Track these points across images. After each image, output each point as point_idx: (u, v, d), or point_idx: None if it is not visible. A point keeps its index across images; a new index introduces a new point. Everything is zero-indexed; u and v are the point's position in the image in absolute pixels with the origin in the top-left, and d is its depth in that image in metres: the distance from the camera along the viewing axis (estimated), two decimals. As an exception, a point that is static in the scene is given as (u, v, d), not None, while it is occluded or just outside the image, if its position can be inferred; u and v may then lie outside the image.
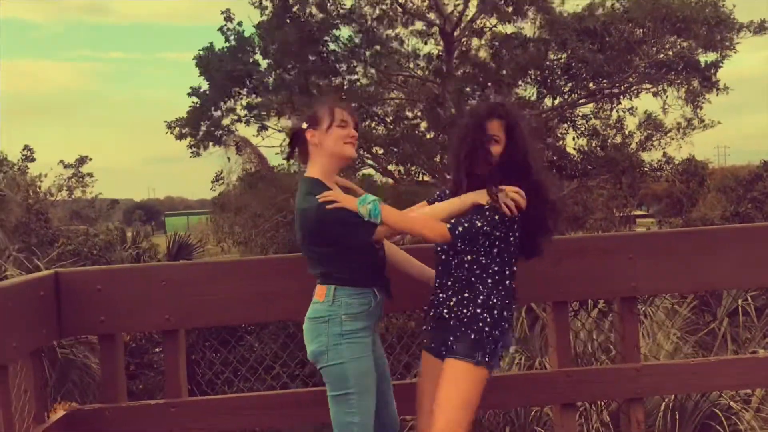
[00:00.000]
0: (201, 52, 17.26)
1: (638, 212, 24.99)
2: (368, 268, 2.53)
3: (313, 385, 2.63)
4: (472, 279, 2.52)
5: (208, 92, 17.43)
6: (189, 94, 17.60)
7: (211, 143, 17.81)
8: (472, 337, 2.47)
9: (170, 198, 68.25)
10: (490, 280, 2.52)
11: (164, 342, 3.01)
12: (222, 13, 17.14)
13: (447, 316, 2.53)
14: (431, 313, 2.60)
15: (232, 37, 17.20)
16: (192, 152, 17.90)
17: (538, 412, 4.75)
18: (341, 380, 2.45)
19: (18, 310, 2.53)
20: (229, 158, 17.92)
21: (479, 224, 2.44)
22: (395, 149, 16.55)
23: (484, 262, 2.52)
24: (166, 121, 17.79)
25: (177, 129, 17.69)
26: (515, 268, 2.57)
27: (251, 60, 17.01)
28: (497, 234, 2.49)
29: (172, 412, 2.88)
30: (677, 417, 4.36)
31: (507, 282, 2.55)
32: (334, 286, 2.48)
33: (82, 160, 21.60)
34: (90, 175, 21.81)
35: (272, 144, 18.40)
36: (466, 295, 2.51)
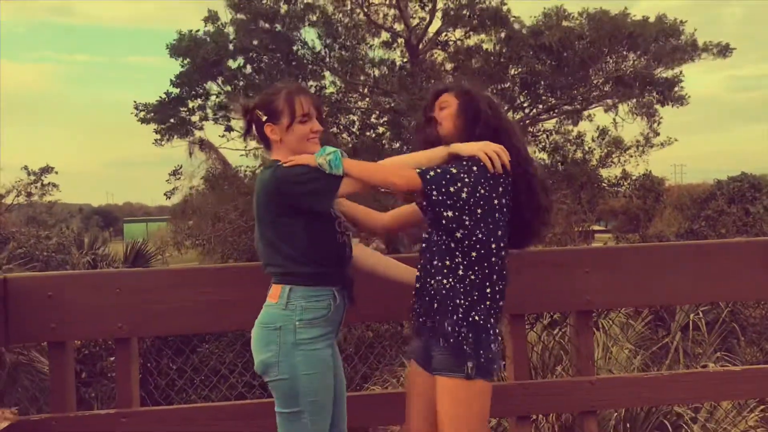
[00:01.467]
0: (178, 36, 17.04)
1: (597, 227, 25.41)
2: (329, 260, 2.25)
3: (269, 396, 2.58)
4: (450, 281, 2.23)
5: (182, 78, 17.16)
6: (172, 84, 17.30)
7: (176, 136, 17.57)
8: (456, 348, 2.21)
9: (129, 204, 67.08)
10: (468, 279, 2.23)
11: (116, 350, 2.94)
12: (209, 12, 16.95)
13: (428, 325, 2.30)
14: (413, 322, 2.39)
15: (208, 29, 17.07)
16: (155, 141, 17.64)
17: (494, 424, 4.77)
18: (292, 397, 2.18)
19: (-38, 316, 2.45)
20: (191, 153, 17.70)
21: (454, 170, 2.18)
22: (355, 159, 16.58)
23: (463, 247, 2.22)
24: (135, 101, 17.49)
25: (143, 113, 17.39)
26: (503, 246, 2.28)
27: (227, 49, 16.81)
28: (480, 192, 2.20)
29: (122, 422, 2.82)
30: (628, 427, 4.42)
31: (493, 267, 2.26)
32: (290, 287, 2.21)
33: (46, 170, 21.12)
34: (53, 184, 21.33)
35: (236, 147, 18.24)
36: (449, 303, 2.23)
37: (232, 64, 17.04)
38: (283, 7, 16.47)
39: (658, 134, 17.50)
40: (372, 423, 3.11)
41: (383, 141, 17.28)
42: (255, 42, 16.38)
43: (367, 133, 17.38)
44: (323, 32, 16.91)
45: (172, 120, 17.41)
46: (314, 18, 16.69)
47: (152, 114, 17.38)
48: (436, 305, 2.27)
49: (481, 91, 2.49)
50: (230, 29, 16.80)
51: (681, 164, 39.49)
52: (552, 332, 5.32)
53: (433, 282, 2.28)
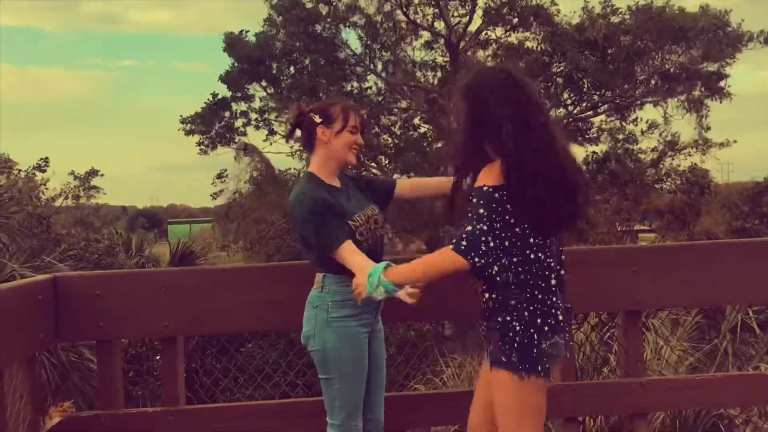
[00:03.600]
0: (226, 37, 17.32)
1: (641, 227, 24.90)
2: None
3: (313, 395, 2.58)
4: (497, 282, 2.22)
5: (229, 77, 17.41)
6: (220, 80, 17.59)
7: (219, 144, 17.87)
8: (508, 343, 2.22)
9: (173, 206, 68.19)
10: (513, 279, 2.21)
11: (162, 349, 2.98)
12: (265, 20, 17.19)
13: (486, 322, 2.32)
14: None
15: (252, 34, 17.33)
16: (201, 150, 17.94)
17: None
18: (324, 365, 2.51)
19: (15, 314, 2.50)
20: (236, 158, 17.97)
21: (470, 228, 2.13)
22: (400, 159, 16.58)
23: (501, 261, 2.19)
24: (181, 116, 17.81)
25: (189, 125, 17.72)
26: (540, 242, 2.22)
27: (271, 50, 17.01)
28: (497, 227, 2.15)
29: (169, 420, 2.85)
30: (677, 427, 4.31)
31: (534, 271, 2.22)
32: (324, 274, 2.52)
33: (92, 173, 21.60)
34: (97, 188, 21.79)
35: (279, 150, 18.43)
36: (500, 299, 2.23)
37: (276, 66, 17.21)
38: (324, 9, 16.59)
39: (709, 128, 17.02)
40: (414, 423, 3.08)
41: (426, 140, 17.25)
42: (298, 44, 16.52)
43: (410, 133, 17.36)
44: (364, 33, 16.96)
45: (216, 128, 17.69)
46: (355, 19, 16.75)
47: (197, 123, 17.67)
48: (492, 304, 2.28)
49: (474, 78, 2.32)
50: (274, 31, 16.99)
51: (728, 162, 38.34)
52: (600, 332, 5.22)
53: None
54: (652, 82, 16.49)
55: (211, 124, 17.74)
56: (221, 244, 19.24)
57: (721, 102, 16.76)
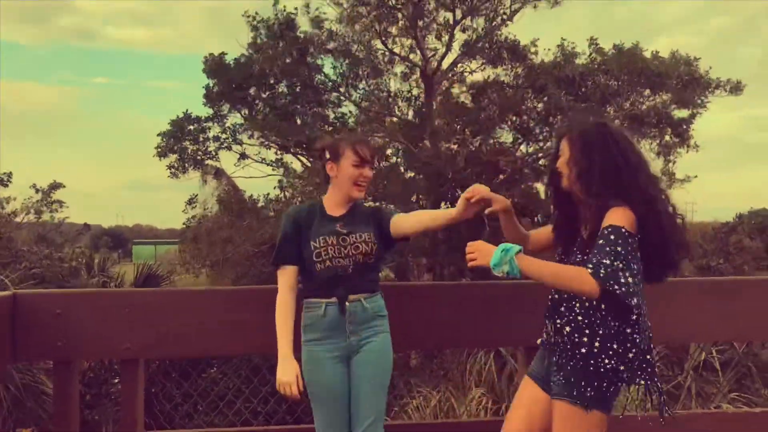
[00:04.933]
0: (205, 59, 17.29)
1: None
2: (317, 281, 2.62)
3: (275, 423, 2.52)
4: (590, 312, 2.29)
5: (208, 98, 17.33)
6: (204, 98, 17.51)
7: (190, 167, 17.69)
8: (580, 375, 2.28)
9: (139, 225, 67.29)
10: (610, 314, 2.27)
11: (122, 372, 2.90)
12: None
13: (564, 350, 2.34)
14: (546, 342, 2.46)
15: (230, 58, 17.28)
16: (171, 173, 17.74)
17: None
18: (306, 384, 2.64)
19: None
20: (205, 181, 17.79)
21: (613, 263, 2.15)
22: (373, 187, 16.60)
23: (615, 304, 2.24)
24: (157, 142, 17.61)
25: (161, 146, 17.51)
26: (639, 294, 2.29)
27: (249, 74, 16.97)
28: (635, 268, 2.20)
29: (126, 445, 2.76)
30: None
31: (632, 315, 2.28)
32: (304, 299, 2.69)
33: (54, 186, 21.18)
34: (60, 202, 21.34)
35: (250, 175, 18.33)
36: (586, 331, 2.29)
37: (254, 90, 17.20)
38: (307, 34, 16.68)
39: (674, 174, 17.36)
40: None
41: (399, 170, 17.32)
42: (275, 69, 16.56)
43: (382, 163, 17.44)
44: (342, 62, 17.07)
45: (188, 151, 17.53)
46: (332, 46, 16.87)
47: (168, 142, 17.49)
48: (575, 333, 2.32)
49: (599, 127, 2.40)
50: (253, 54, 17.01)
51: (692, 202, 39.23)
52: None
53: (576, 310, 2.34)
54: (624, 123, 16.82)
55: (183, 144, 17.59)
56: (187, 267, 18.94)
57: (687, 151, 17.13)
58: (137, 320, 2.82)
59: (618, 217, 2.23)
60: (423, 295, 3.08)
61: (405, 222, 2.72)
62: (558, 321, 2.39)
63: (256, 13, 16.79)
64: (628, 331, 2.29)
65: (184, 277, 18.55)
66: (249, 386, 6.07)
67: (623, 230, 2.19)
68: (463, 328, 3.00)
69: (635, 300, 2.19)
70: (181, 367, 6.85)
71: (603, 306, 2.28)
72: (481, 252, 2.25)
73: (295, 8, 16.73)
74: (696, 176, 17.63)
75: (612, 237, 2.18)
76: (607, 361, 2.26)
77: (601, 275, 2.13)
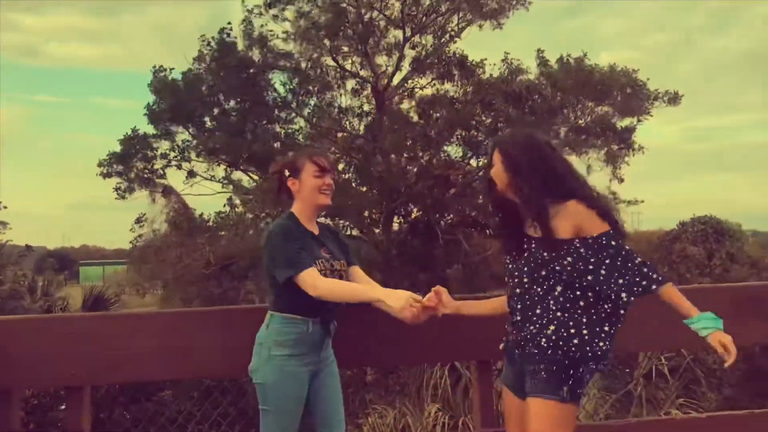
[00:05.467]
0: (153, 76, 17.00)
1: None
2: (304, 299, 2.60)
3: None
4: (557, 309, 2.43)
5: (154, 117, 17.04)
6: (146, 117, 17.16)
7: (137, 186, 17.31)
8: (553, 371, 2.39)
9: (86, 246, 65.58)
10: (577, 309, 2.43)
11: (67, 399, 2.80)
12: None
13: (534, 350, 2.44)
14: (512, 346, 2.56)
15: (178, 75, 17.03)
16: (118, 195, 17.33)
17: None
18: (262, 397, 2.64)
19: None
20: (154, 200, 17.44)
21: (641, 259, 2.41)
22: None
23: (574, 292, 2.43)
24: (99, 160, 17.18)
25: (105, 167, 17.10)
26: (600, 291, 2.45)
27: (198, 91, 16.74)
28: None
29: (71, 476, 2.67)
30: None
31: (597, 307, 2.44)
32: (271, 313, 2.68)
33: None
34: (3, 223, 20.57)
35: (199, 192, 18.04)
36: (570, 323, 2.42)
37: (202, 106, 16.98)
38: (255, 53, 16.59)
39: (622, 180, 17.79)
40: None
41: (351, 185, 17.33)
42: (224, 85, 16.41)
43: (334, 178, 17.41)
44: (292, 78, 17.03)
45: (134, 170, 17.17)
46: (283, 64, 16.82)
47: (113, 164, 17.13)
48: (560, 330, 2.43)
49: (526, 138, 2.57)
50: (201, 70, 16.83)
51: (637, 212, 40.35)
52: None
53: (552, 308, 2.46)
54: (570, 134, 17.20)
55: (129, 164, 17.23)
56: (136, 288, 18.52)
57: (633, 155, 17.61)
58: (83, 346, 2.74)
59: (595, 220, 2.42)
60: (375, 310, 3.07)
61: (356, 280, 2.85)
62: (536, 323, 2.46)
63: (204, 36, 16.67)
64: (606, 323, 2.44)
65: (133, 299, 18.14)
66: (200, 409, 5.94)
67: (611, 232, 2.43)
68: (415, 345, 3.00)
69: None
70: (129, 393, 6.67)
71: (581, 302, 2.42)
72: (727, 346, 2.40)
73: (242, 25, 16.62)
74: (643, 201, 18.04)
75: (614, 243, 2.41)
76: (588, 350, 2.40)
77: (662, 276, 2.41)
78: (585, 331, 2.41)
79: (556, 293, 2.44)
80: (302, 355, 2.65)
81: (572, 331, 2.41)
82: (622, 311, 2.46)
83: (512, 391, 2.59)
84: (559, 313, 2.42)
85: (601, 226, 2.42)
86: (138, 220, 17.71)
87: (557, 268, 2.41)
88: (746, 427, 3.31)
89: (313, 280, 2.57)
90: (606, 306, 2.43)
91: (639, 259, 2.41)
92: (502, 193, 2.55)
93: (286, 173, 2.80)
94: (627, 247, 2.42)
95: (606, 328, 2.43)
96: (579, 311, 2.42)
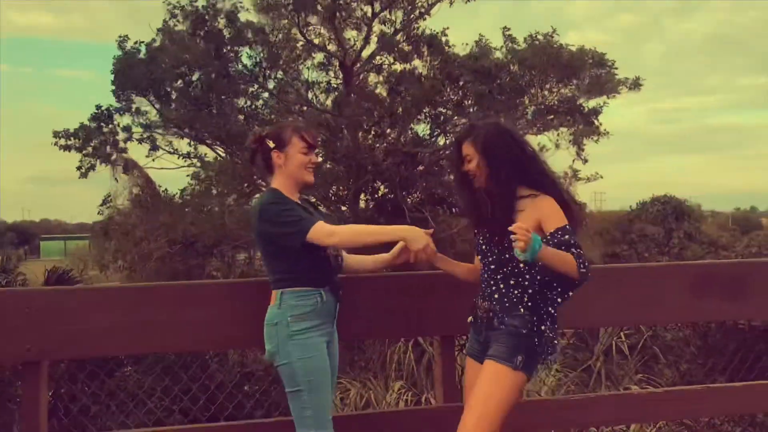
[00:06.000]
0: (118, 47, 16.62)
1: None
2: (313, 269, 2.62)
3: (189, 422, 2.46)
4: (516, 284, 2.57)
5: (117, 90, 16.67)
6: (112, 91, 16.76)
7: (98, 162, 16.94)
8: (513, 341, 2.52)
9: (47, 221, 64.20)
10: (534, 286, 2.57)
11: (23, 375, 2.76)
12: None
13: (494, 320, 2.58)
14: (481, 318, 2.65)
15: (142, 48, 16.61)
16: (81, 173, 16.93)
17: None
18: (291, 378, 2.58)
19: None
20: (117, 179, 17.10)
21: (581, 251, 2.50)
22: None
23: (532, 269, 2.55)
24: (54, 131, 16.76)
25: (63, 139, 16.69)
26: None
27: (161, 63, 16.36)
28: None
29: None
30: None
31: (552, 288, 2.57)
32: (281, 291, 2.61)
33: None
34: None
35: (162, 166, 17.73)
36: (514, 300, 2.56)
37: (166, 79, 16.63)
38: (221, 22, 16.28)
39: (587, 161, 17.95)
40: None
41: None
42: (188, 56, 16.08)
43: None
44: (259, 51, 16.77)
45: (93, 142, 16.75)
46: (250, 36, 16.55)
47: (75, 139, 16.72)
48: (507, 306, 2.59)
49: (497, 128, 2.66)
50: (165, 41, 16.46)
51: (601, 192, 41.15)
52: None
53: (509, 291, 2.60)
54: (537, 114, 17.27)
55: (90, 140, 16.82)
56: (99, 264, 18.22)
57: (598, 140, 17.76)
58: (40, 320, 2.68)
59: (555, 216, 2.54)
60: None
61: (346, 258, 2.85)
62: (503, 297, 2.59)
63: (177, 1, 16.28)
64: (558, 307, 2.60)
65: (95, 275, 17.87)
66: (162, 385, 5.90)
67: (567, 227, 2.53)
68: (378, 319, 3.01)
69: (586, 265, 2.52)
70: (89, 368, 6.59)
71: (555, 283, 2.56)
72: (526, 241, 2.33)
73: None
74: (602, 176, 18.20)
75: (567, 236, 2.51)
76: (548, 331, 2.55)
77: (581, 259, 2.48)
78: (550, 309, 2.58)
79: (524, 270, 2.57)
80: (321, 325, 2.63)
81: (531, 304, 2.56)
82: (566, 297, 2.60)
83: (477, 361, 2.66)
84: (524, 290, 2.57)
85: (560, 222, 2.53)
86: (104, 202, 17.33)
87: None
88: (701, 400, 3.40)
89: (329, 228, 2.54)
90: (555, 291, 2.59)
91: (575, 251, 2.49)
92: (480, 186, 2.63)
93: (270, 144, 2.71)
94: (573, 241, 2.50)
95: (551, 311, 2.59)
96: (543, 290, 2.57)
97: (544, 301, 2.57)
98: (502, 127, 2.69)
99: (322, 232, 2.52)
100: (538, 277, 2.57)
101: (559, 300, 2.58)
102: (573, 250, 2.47)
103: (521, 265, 2.56)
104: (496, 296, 2.61)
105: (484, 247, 2.68)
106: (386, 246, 2.78)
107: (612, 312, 3.29)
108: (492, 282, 2.63)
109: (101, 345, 2.84)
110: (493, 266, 2.64)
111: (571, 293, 2.59)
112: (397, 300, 3.01)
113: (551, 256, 2.42)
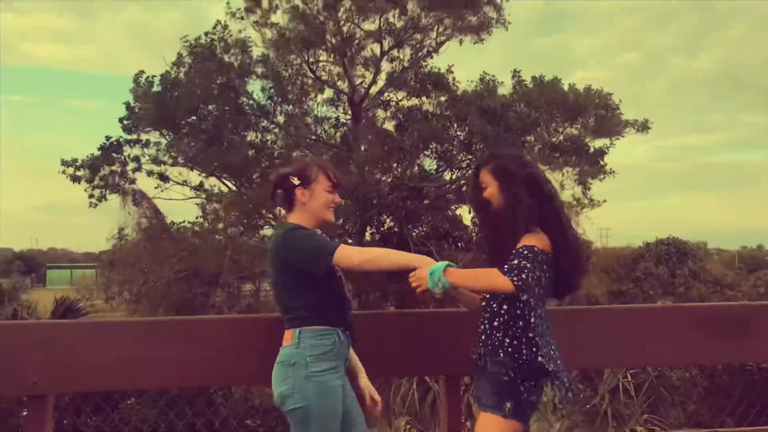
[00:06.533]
0: (134, 80, 16.86)
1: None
2: (332, 307, 2.57)
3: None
4: (498, 325, 2.51)
5: (129, 121, 16.84)
6: (120, 122, 16.97)
7: (108, 192, 17.06)
8: (498, 388, 2.48)
9: (54, 249, 64.40)
10: (517, 326, 2.49)
11: (28, 408, 2.75)
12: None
13: (480, 365, 2.56)
14: (474, 362, 2.61)
15: (156, 81, 16.82)
16: (91, 204, 17.03)
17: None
18: (305, 421, 2.46)
19: None
20: (129, 213, 17.21)
21: (529, 266, 2.40)
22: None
23: (514, 309, 2.50)
24: (62, 159, 16.93)
25: (72, 169, 16.85)
26: (544, 310, 2.56)
27: (175, 98, 16.54)
28: (538, 275, 2.44)
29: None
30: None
31: (537, 325, 2.50)
32: (299, 329, 2.52)
33: None
34: None
35: (170, 197, 17.84)
36: (496, 343, 2.51)
37: (177, 110, 16.81)
38: (232, 58, 16.51)
39: (592, 200, 18.00)
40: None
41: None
42: (200, 91, 16.29)
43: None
44: (270, 86, 16.99)
45: (101, 173, 16.90)
46: (261, 71, 16.77)
47: (84, 169, 16.88)
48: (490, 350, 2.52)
49: (518, 160, 2.65)
50: (180, 74, 16.69)
51: (606, 228, 40.95)
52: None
53: (492, 333, 2.54)
54: (544, 151, 17.38)
55: (100, 170, 16.96)
56: (105, 293, 18.23)
57: (604, 178, 17.84)
58: (46, 354, 2.69)
59: (534, 239, 2.50)
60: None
61: None
62: (487, 339, 2.54)
63: (186, 37, 16.54)
64: (537, 327, 2.50)
65: (101, 304, 17.88)
66: (165, 420, 5.86)
67: (535, 247, 2.47)
68: (384, 358, 3.00)
69: (525, 296, 2.45)
70: (93, 401, 6.55)
71: (520, 322, 2.48)
72: (421, 280, 2.40)
73: (223, 30, 16.54)
74: (605, 201, 18.27)
75: (524, 252, 2.46)
76: (522, 367, 2.47)
77: (506, 268, 2.40)
78: (530, 335, 2.49)
79: (503, 311, 2.53)
80: (338, 367, 2.55)
81: (510, 350, 2.49)
82: (532, 319, 2.50)
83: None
84: (506, 332, 2.51)
85: (526, 242, 2.49)
86: (119, 234, 17.38)
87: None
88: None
89: (354, 249, 2.51)
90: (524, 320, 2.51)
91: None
92: (495, 214, 2.59)
93: (295, 181, 2.67)
94: (522, 256, 2.44)
95: (531, 335, 2.49)
96: (519, 330, 2.50)
97: (524, 331, 2.48)
98: (524, 160, 2.68)
99: (347, 252, 2.48)
100: (504, 307, 2.51)
101: (533, 321, 2.48)
102: (510, 263, 2.41)
103: (492, 304, 2.53)
104: (482, 338, 2.56)
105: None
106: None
107: (618, 353, 3.27)
108: (480, 323, 2.60)
109: (106, 379, 2.83)
110: (483, 303, 2.61)
111: (540, 310, 2.51)
112: (401, 339, 3.01)
113: (461, 276, 2.41)
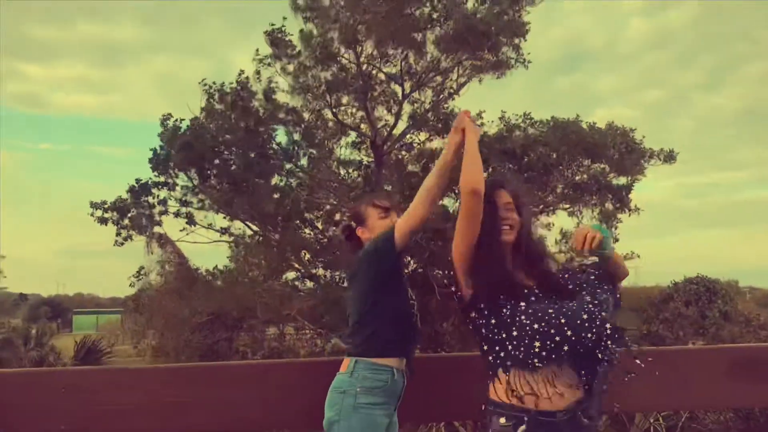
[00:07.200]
0: (161, 124, 17.19)
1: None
2: (394, 334, 2.60)
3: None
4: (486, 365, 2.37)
5: (157, 163, 17.14)
6: (150, 160, 17.25)
7: (135, 233, 17.28)
8: None
9: (80, 294, 65.08)
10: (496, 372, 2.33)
11: (57, 455, 2.75)
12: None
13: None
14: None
15: (184, 124, 17.17)
16: (117, 242, 17.26)
17: None
18: None
19: None
20: (151, 252, 17.39)
21: None
22: (323, 254, 16.56)
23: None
24: (92, 201, 17.21)
25: (100, 211, 17.11)
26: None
27: (201, 142, 16.82)
28: None
29: None
30: None
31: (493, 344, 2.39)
32: (355, 359, 2.57)
33: None
34: None
35: (195, 240, 18.01)
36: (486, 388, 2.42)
37: (206, 156, 17.09)
38: (257, 104, 16.79)
39: (617, 240, 17.76)
40: None
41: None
42: (228, 136, 16.57)
43: (332, 229, 17.48)
44: (294, 130, 17.22)
45: (129, 215, 17.16)
46: (283, 116, 17.03)
47: (111, 212, 17.17)
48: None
49: (526, 187, 2.72)
50: (207, 120, 16.99)
51: (635, 267, 40.31)
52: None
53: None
54: (565, 191, 17.30)
55: (128, 212, 17.25)
56: (130, 338, 18.34)
57: (630, 215, 17.63)
58: (74, 400, 2.71)
59: None
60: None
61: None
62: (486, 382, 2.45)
63: (213, 83, 16.89)
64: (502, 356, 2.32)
65: (126, 349, 17.97)
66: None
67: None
68: (412, 403, 2.97)
69: None
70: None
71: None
72: (595, 231, 2.38)
73: (247, 77, 16.88)
74: (639, 255, 17.91)
75: None
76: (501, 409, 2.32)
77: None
78: (500, 371, 2.30)
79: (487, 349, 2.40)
80: (385, 404, 2.56)
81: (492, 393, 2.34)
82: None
83: None
84: (489, 372, 2.36)
85: None
86: (138, 274, 17.58)
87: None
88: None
89: (402, 216, 2.63)
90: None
91: None
92: (508, 234, 2.54)
93: (353, 225, 2.86)
94: None
95: (501, 371, 2.31)
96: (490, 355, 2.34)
97: (493, 369, 2.30)
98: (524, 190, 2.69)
99: (399, 223, 2.62)
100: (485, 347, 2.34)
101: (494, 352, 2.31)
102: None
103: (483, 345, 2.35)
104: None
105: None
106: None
107: (650, 396, 3.21)
108: None
109: (131, 425, 2.84)
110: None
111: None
112: (430, 384, 2.98)
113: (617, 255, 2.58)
